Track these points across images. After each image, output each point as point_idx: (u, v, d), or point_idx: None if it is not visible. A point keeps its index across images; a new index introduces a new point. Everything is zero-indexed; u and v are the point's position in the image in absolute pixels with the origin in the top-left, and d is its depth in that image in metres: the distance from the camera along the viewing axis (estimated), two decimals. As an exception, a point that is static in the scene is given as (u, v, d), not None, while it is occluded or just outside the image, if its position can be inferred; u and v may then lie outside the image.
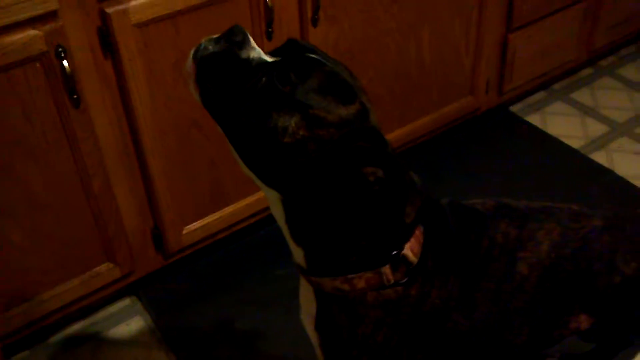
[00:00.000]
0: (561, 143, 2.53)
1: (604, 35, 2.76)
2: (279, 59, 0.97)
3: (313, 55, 0.97)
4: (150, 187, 1.78)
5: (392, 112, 2.22)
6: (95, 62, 1.54)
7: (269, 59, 0.97)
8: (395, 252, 1.02)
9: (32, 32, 1.40)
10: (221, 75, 0.96)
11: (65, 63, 1.45)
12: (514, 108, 2.74)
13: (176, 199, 1.83)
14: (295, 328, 1.31)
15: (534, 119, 2.67)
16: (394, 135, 2.26)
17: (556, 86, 2.86)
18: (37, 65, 1.44)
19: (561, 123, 2.65)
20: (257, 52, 0.97)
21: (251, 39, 0.99)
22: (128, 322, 1.94)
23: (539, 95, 2.81)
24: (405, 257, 1.03)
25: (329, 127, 0.92)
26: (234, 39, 0.96)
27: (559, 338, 1.15)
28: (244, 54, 0.96)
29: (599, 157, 2.46)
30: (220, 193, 1.92)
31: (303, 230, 1.02)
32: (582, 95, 2.80)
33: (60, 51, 1.44)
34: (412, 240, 1.04)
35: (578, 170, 2.40)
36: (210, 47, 0.97)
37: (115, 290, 1.92)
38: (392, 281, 1.04)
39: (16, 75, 1.43)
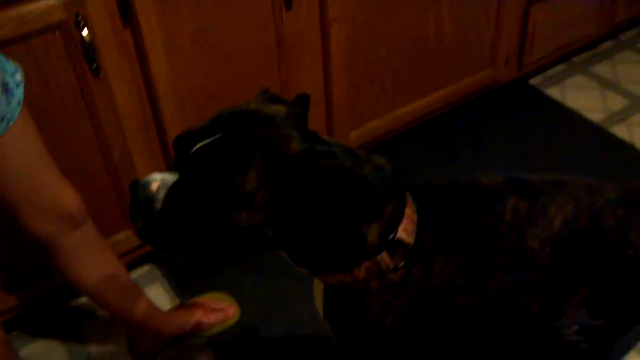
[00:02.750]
0: (580, 117, 2.51)
1: (625, 9, 2.72)
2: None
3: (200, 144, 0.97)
4: (169, 158, 1.80)
5: (410, 84, 2.21)
6: (114, 31, 1.54)
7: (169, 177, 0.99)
8: (390, 237, 1.03)
9: (51, 0, 1.41)
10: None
11: (84, 32, 1.46)
12: (533, 81, 2.72)
13: (194, 168, 1.84)
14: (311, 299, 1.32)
15: (554, 92, 2.65)
16: (412, 107, 2.25)
17: (576, 59, 2.83)
18: (57, 34, 1.45)
19: (581, 96, 2.62)
20: (155, 183, 0.99)
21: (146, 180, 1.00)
22: (147, 289, 1.96)
23: (559, 68, 2.78)
24: (400, 240, 1.03)
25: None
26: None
27: (569, 309, 1.15)
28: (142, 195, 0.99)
29: (619, 131, 2.43)
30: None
31: (301, 257, 1.05)
32: (603, 69, 2.77)
33: (80, 20, 1.45)
34: (405, 221, 1.04)
35: (597, 144, 2.38)
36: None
37: (134, 257, 1.95)
38: (392, 265, 1.04)
39: (35, 44, 1.43)
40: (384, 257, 1.04)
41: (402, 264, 1.05)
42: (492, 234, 1.09)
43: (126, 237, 1.85)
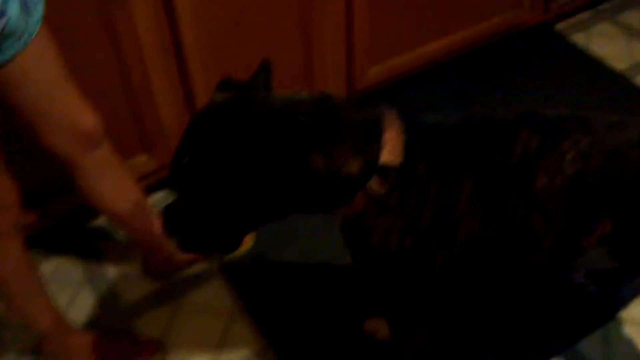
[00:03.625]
0: (604, 65, 2.47)
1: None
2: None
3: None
4: (188, 85, 1.80)
5: (432, 23, 2.18)
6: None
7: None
8: (373, 164, 1.04)
9: None
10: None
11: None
12: (559, 27, 2.67)
13: (213, 96, 1.85)
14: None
15: (579, 39, 2.61)
16: (434, 46, 2.23)
17: (604, 6, 2.77)
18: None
19: (606, 44, 2.58)
20: None
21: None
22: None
23: (585, 15, 2.73)
24: (385, 166, 1.04)
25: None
26: None
27: (587, 246, 1.16)
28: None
29: (643, 81, 2.41)
30: (256, 93, 1.93)
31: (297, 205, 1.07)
32: (630, 17, 2.71)
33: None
34: (388, 146, 1.04)
35: (620, 94, 2.35)
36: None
37: (151, 183, 1.98)
38: (383, 191, 1.06)
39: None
40: (373, 185, 1.05)
41: (393, 187, 1.06)
42: (501, 165, 1.10)
43: (143, 161, 1.87)
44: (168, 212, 1.04)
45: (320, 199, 1.05)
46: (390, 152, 1.05)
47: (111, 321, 1.79)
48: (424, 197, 1.08)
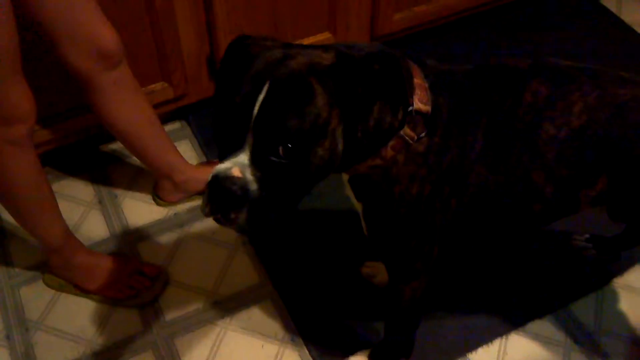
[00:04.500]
0: (634, 31, 2.43)
1: None
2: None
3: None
4: (210, 13, 1.79)
5: (463, -27, 2.14)
6: None
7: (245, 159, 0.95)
8: (409, 109, 1.04)
9: None
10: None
11: None
12: (592, -11, 2.61)
13: (235, 29, 1.84)
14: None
15: (610, 3, 2.55)
16: (459, -1, 2.19)
17: (640, -29, 2.71)
18: None
19: (637, 11, 2.53)
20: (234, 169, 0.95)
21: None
22: (177, 144, 2.02)
23: (620, -21, 2.67)
24: (418, 111, 1.05)
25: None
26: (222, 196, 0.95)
27: (586, 199, 1.16)
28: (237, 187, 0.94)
29: (671, 51, 2.36)
30: (278, 29, 1.93)
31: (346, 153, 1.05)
32: (665, -15, 2.65)
33: None
34: (417, 92, 1.05)
35: (646, 60, 2.32)
36: (231, 216, 0.96)
37: (166, 111, 1.99)
38: (416, 137, 1.07)
39: None
40: (407, 131, 1.06)
41: (424, 133, 1.07)
42: (510, 113, 1.10)
43: (161, 88, 1.88)
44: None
45: (361, 150, 1.06)
46: (421, 99, 1.05)
47: (117, 243, 1.84)
48: (446, 143, 1.09)
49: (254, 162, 0.95)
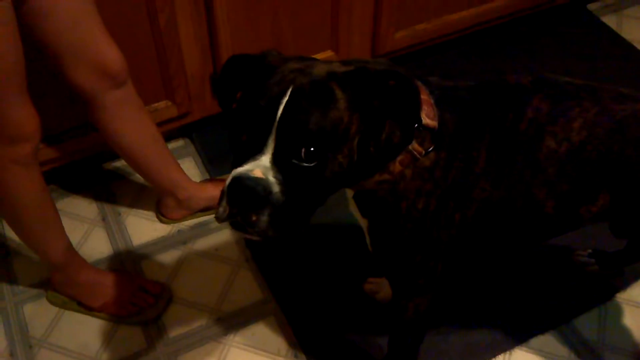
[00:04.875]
0: (634, 48, 2.44)
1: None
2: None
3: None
4: (214, 33, 1.81)
5: (462, -8, 2.16)
6: None
7: (266, 161, 0.95)
8: (416, 125, 1.05)
9: None
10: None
11: None
12: (591, 6, 2.63)
13: (237, 48, 1.86)
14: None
15: (610, 20, 2.57)
16: (463, 15, 2.21)
17: (639, -11, 2.73)
18: None
19: (637, 28, 2.54)
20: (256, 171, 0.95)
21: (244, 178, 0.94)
22: (180, 161, 2.03)
23: (620, -4, 2.69)
24: (426, 126, 1.07)
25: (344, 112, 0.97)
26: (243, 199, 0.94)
27: (588, 215, 1.17)
28: (260, 187, 0.93)
29: (671, 68, 2.37)
30: (281, 48, 1.94)
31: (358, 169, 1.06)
32: (666, 2, 2.67)
33: None
34: (424, 107, 1.06)
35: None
36: (252, 218, 0.95)
37: (170, 129, 2.01)
38: (424, 152, 1.08)
39: None
40: (415, 146, 1.08)
41: (431, 147, 1.08)
42: (512, 129, 1.11)
43: (165, 106, 1.90)
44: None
45: (371, 165, 1.07)
46: (427, 114, 1.07)
47: (121, 260, 1.84)
48: (452, 158, 1.10)
49: (275, 164, 0.95)
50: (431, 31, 2.20)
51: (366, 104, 0.99)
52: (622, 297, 1.73)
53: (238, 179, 0.93)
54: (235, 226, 0.98)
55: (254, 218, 0.95)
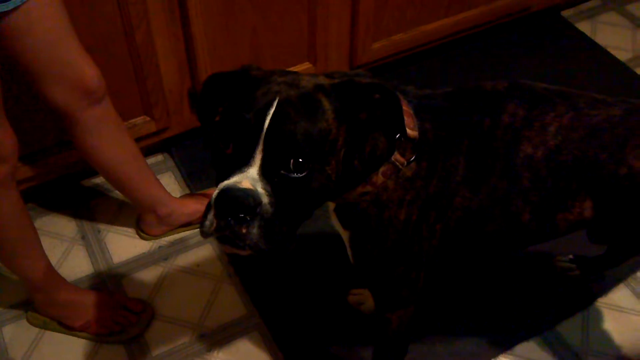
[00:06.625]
0: (608, 54, 2.47)
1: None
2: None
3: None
4: (191, 48, 1.80)
5: (439, 1, 2.17)
6: None
7: (254, 172, 0.94)
8: (398, 135, 1.05)
9: None
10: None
11: None
12: (566, 13, 2.66)
13: (215, 63, 1.85)
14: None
15: (585, 27, 2.60)
16: (440, 24, 2.22)
17: (612, -5, 2.77)
18: None
19: (611, 34, 2.58)
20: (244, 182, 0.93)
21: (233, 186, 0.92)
22: (159, 177, 2.01)
23: (593, 3, 2.72)
24: (407, 138, 1.07)
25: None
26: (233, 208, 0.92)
27: (564, 224, 1.17)
28: (251, 200, 0.91)
29: (645, 73, 2.41)
30: (259, 62, 1.94)
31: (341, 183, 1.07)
32: (637, 8, 2.70)
33: None
34: (405, 118, 1.05)
35: (622, 83, 2.36)
36: (242, 230, 0.93)
37: (149, 144, 1.99)
38: (405, 162, 1.09)
39: None
40: (397, 156, 1.08)
41: (412, 157, 1.09)
42: (488, 135, 1.12)
43: (143, 121, 1.89)
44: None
45: (354, 178, 1.07)
46: (408, 124, 1.07)
47: (102, 278, 1.82)
48: (432, 167, 1.11)
49: (264, 175, 0.93)
50: (408, 41, 2.21)
51: (352, 116, 0.99)
52: (604, 301, 1.74)
53: (227, 191, 0.92)
54: (223, 240, 0.95)
55: (243, 231, 0.93)
